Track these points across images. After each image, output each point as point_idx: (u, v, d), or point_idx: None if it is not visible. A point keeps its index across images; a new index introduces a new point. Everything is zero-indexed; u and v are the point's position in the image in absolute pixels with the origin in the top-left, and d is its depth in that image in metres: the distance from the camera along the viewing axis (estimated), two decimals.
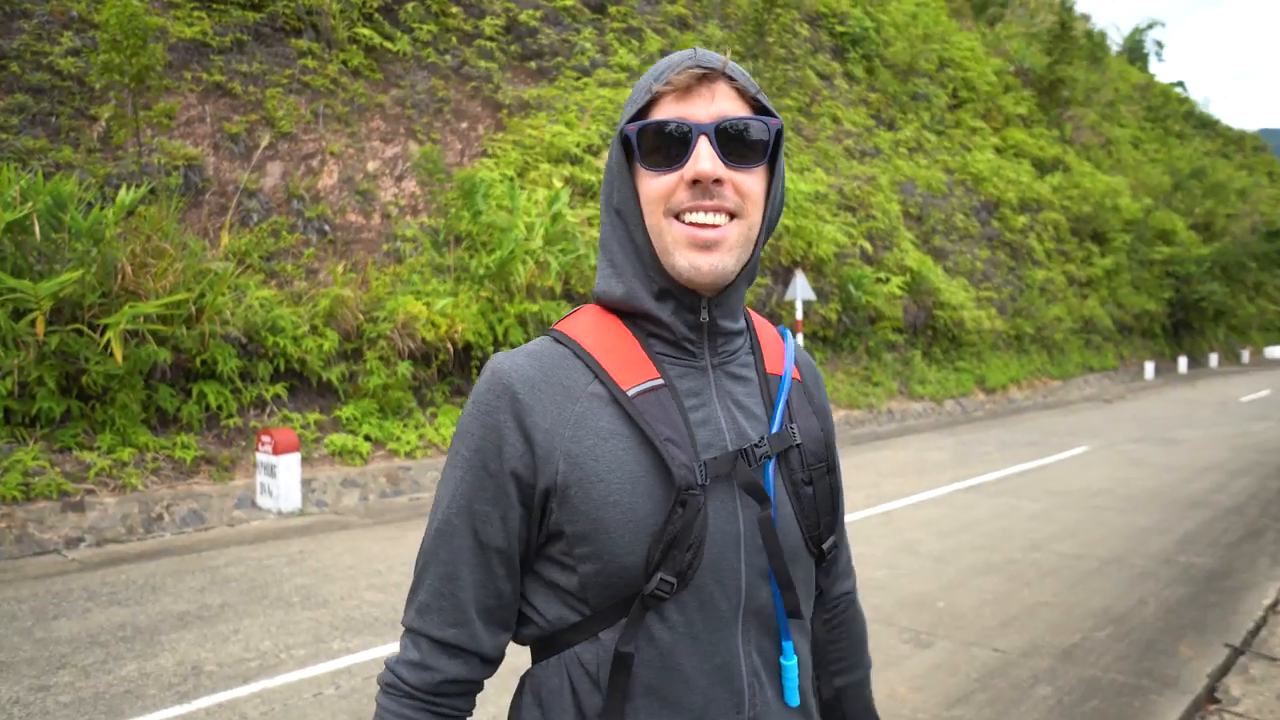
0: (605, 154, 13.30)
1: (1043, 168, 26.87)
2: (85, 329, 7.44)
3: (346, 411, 9.07)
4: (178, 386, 8.18)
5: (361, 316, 9.55)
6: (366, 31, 12.42)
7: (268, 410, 8.70)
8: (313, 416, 8.84)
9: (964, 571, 5.93)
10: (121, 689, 3.90)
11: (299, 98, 11.48)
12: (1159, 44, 48.94)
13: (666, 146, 0.97)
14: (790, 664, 1.03)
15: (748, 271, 1.04)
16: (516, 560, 0.99)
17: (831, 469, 1.10)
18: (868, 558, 6.24)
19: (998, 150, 25.46)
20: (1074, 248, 25.88)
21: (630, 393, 0.98)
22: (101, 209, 7.80)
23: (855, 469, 10.17)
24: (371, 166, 11.68)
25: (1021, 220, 23.61)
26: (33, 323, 7.10)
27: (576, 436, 0.96)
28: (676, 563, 0.94)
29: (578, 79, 14.80)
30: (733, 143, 0.97)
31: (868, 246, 16.96)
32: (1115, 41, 46.74)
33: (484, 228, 11.12)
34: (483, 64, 13.71)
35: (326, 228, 10.68)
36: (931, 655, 4.47)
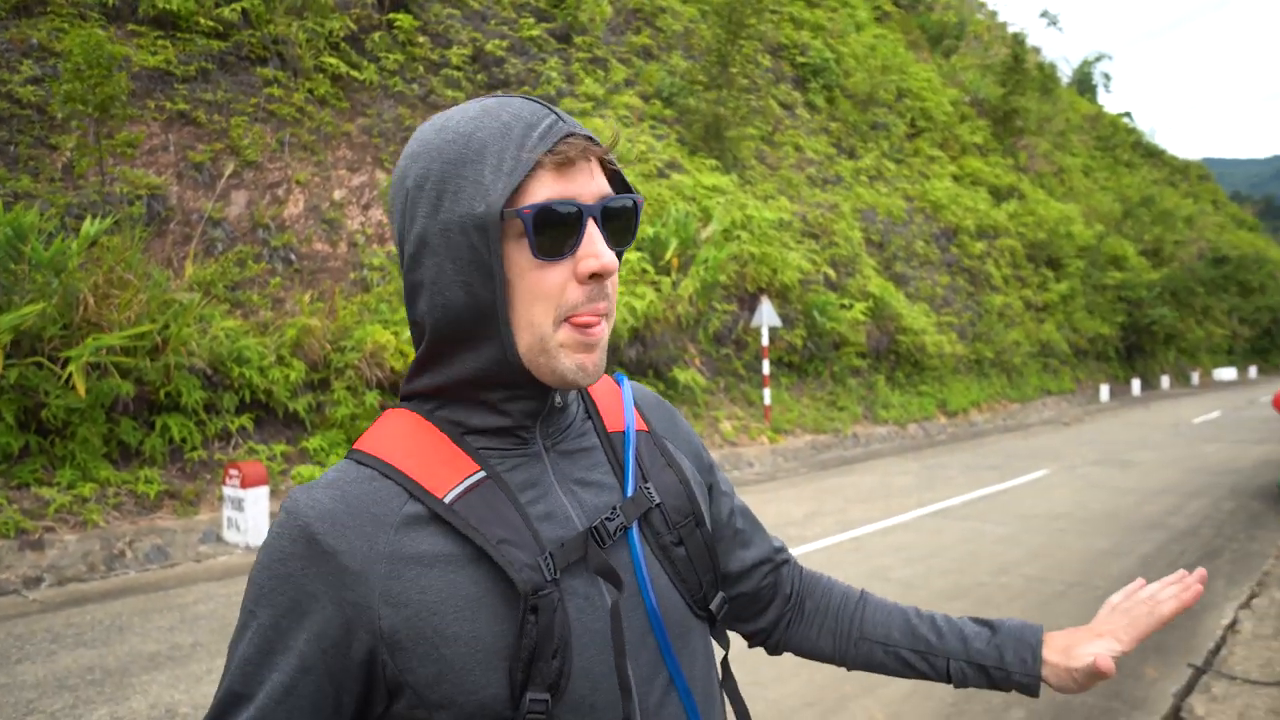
0: None
1: (999, 195, 27.51)
2: (46, 362, 7.31)
3: (314, 442, 8.99)
4: (140, 419, 8.05)
5: (329, 346, 9.48)
6: (333, 60, 12.43)
7: (233, 442, 8.59)
8: (279, 448, 8.74)
9: (935, 596, 6.02)
10: None
11: (264, 126, 11.43)
12: (1106, 76, 50.50)
13: (558, 233, 0.83)
14: None
15: None
16: None
17: (700, 522, 0.98)
18: None
19: (955, 178, 26.04)
20: (1030, 273, 26.47)
21: (448, 498, 0.84)
22: (63, 239, 7.69)
23: (823, 494, 10.27)
24: (338, 195, 11.65)
25: (979, 246, 24.12)
26: None
27: (394, 572, 0.82)
28: (544, 676, 0.81)
29: None
30: (613, 225, 0.87)
31: (831, 273, 17.21)
32: (1065, 74, 48.16)
33: None
34: (449, 93, 13.77)
35: (293, 257, 10.62)
36: (906, 681, 4.53)
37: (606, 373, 1.04)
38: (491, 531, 0.83)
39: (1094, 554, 7.19)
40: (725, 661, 1.08)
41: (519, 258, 0.83)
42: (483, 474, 0.87)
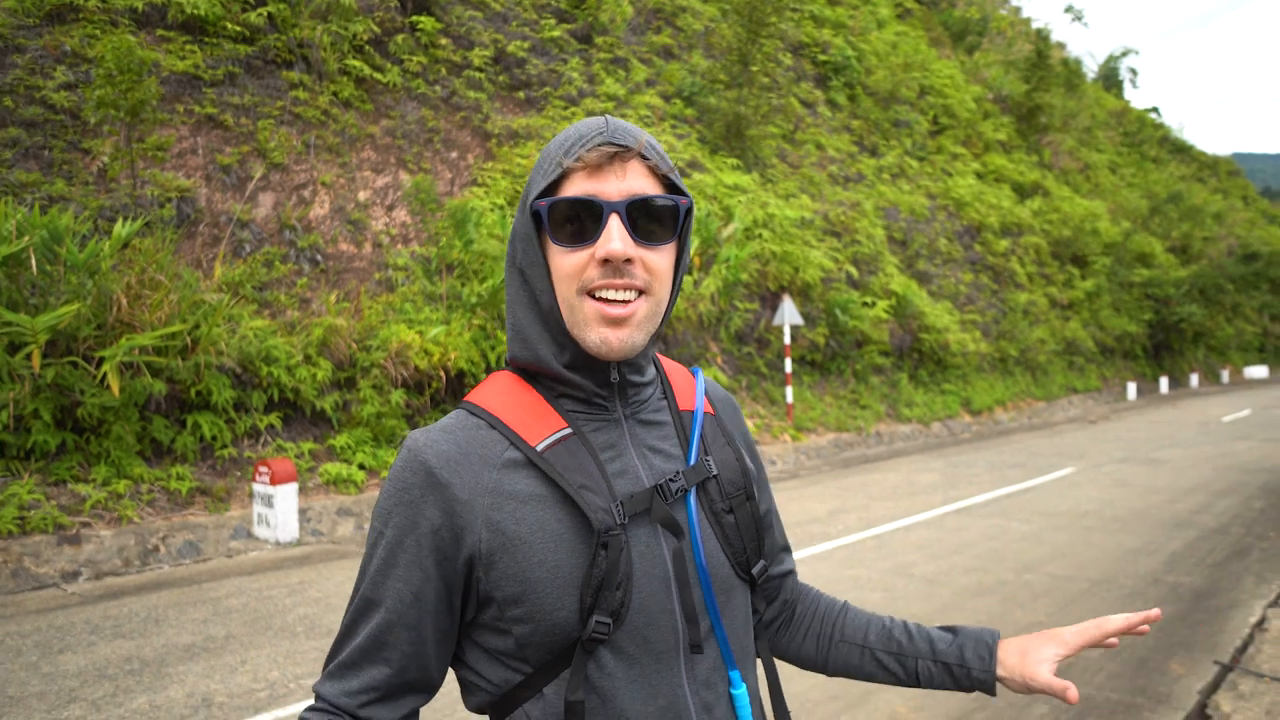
0: None
1: (1023, 192, 27.29)
2: (81, 361, 7.46)
3: (340, 440, 9.11)
4: (172, 417, 8.20)
5: (354, 345, 9.60)
6: (357, 63, 12.56)
7: (262, 440, 8.72)
8: (307, 446, 8.87)
9: (958, 593, 6.02)
10: None
11: (290, 129, 11.58)
12: (1133, 71, 49.91)
13: (578, 223, 0.98)
14: (740, 693, 1.06)
15: (656, 336, 1.08)
16: (431, 634, 1.00)
17: (750, 496, 1.12)
18: (863, 580, 6.32)
19: (979, 175, 25.86)
20: (1055, 271, 26.25)
21: (539, 447, 1.00)
22: (97, 242, 7.84)
23: (846, 492, 10.27)
24: (363, 196, 11.78)
25: (1003, 244, 23.95)
26: (28, 356, 7.12)
27: (496, 504, 0.98)
28: (609, 603, 0.95)
29: (565, 108, 14.99)
30: (643, 221, 0.99)
31: (853, 271, 17.17)
32: (1091, 69, 47.67)
33: (475, 256, 11.22)
34: (472, 94, 13.88)
35: (319, 257, 10.76)
36: None
37: (684, 366, 1.22)
38: (573, 478, 0.99)
39: (1121, 552, 7.16)
40: (759, 624, 1.19)
41: (551, 244, 1.01)
42: (569, 430, 1.03)
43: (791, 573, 1.31)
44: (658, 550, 1.01)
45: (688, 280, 13.20)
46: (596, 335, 0.99)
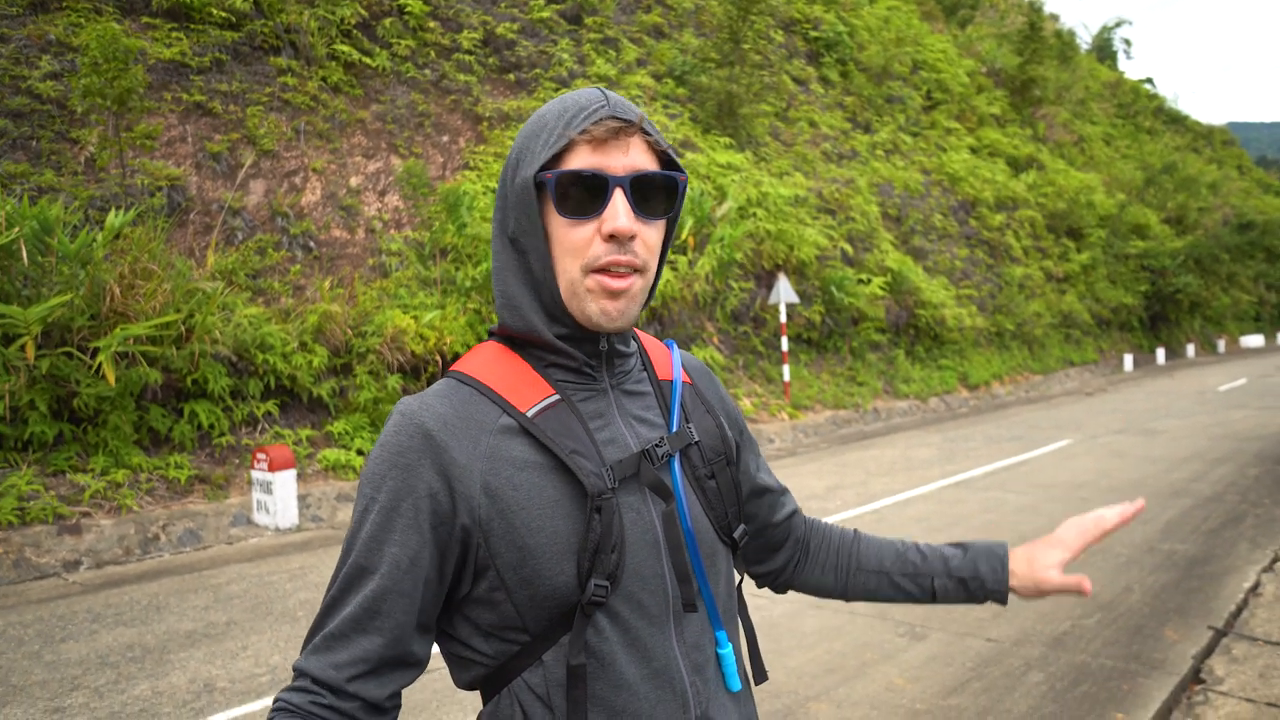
0: None
1: (1017, 166, 27.21)
2: (75, 352, 7.45)
3: (338, 426, 9.12)
4: (169, 406, 8.20)
5: (350, 331, 9.59)
6: (345, 48, 12.48)
7: (259, 428, 8.73)
8: (305, 432, 8.88)
9: None
10: (136, 708, 3.95)
11: (280, 115, 11.52)
12: (1127, 41, 49.70)
13: (584, 196, 0.99)
14: (726, 652, 1.08)
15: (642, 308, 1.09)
16: (424, 602, 0.98)
17: (730, 461, 1.14)
18: None
19: (973, 150, 25.77)
20: (1051, 244, 26.21)
21: (529, 413, 1.01)
22: (88, 232, 7.82)
23: (844, 468, 10.30)
24: (354, 182, 11.73)
25: (998, 218, 23.90)
26: (22, 348, 7.11)
27: (493, 469, 0.98)
28: (605, 566, 0.97)
29: (556, 90, 14.90)
30: (644, 196, 1.01)
31: (848, 248, 17.15)
32: (1084, 40, 47.42)
33: (469, 240, 11.20)
34: (462, 77, 13.80)
35: (312, 244, 10.73)
36: (927, 647, 4.59)
37: (660, 339, 1.24)
38: (564, 443, 1.00)
39: None
40: (739, 586, 1.21)
41: (554, 216, 1.01)
42: (557, 397, 1.04)
43: (795, 512, 1.33)
44: (647, 514, 1.02)
45: (683, 260, 13.18)
46: (597, 307, 1.01)
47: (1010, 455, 10.84)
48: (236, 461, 8.28)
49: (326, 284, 10.05)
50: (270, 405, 8.75)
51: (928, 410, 16.74)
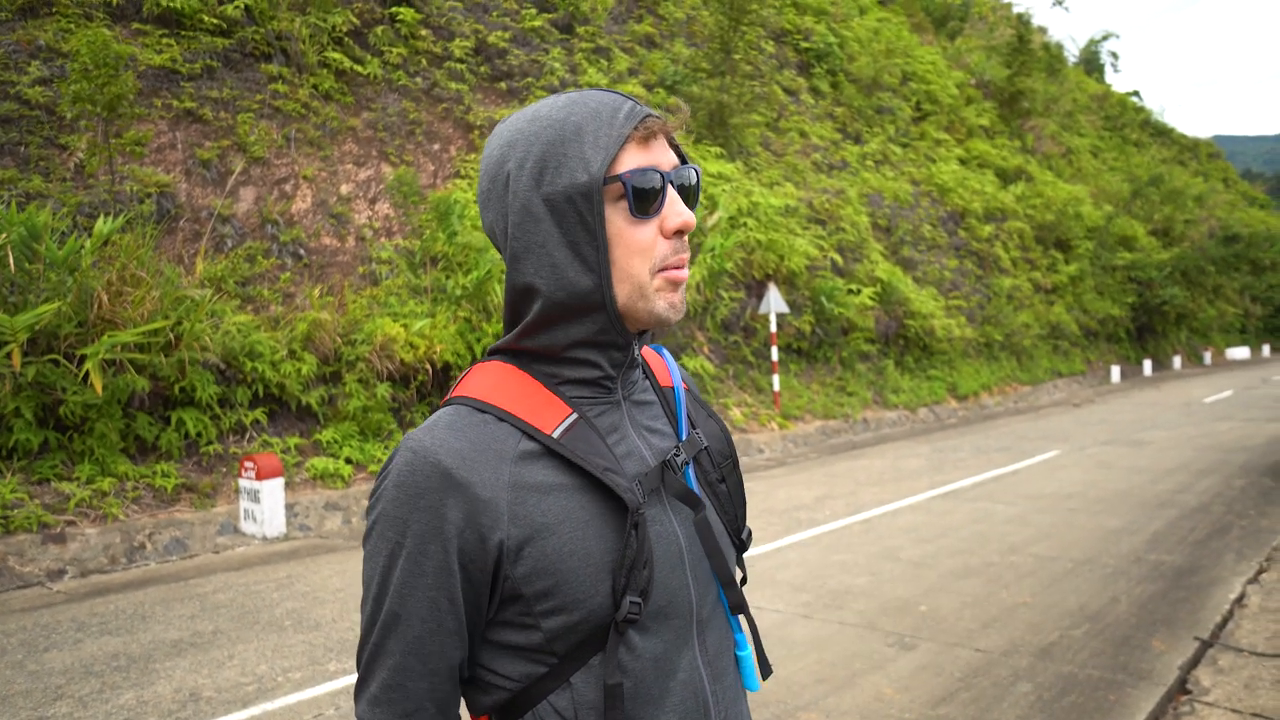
0: None
1: (1006, 178, 27.39)
2: (62, 359, 7.41)
3: (327, 435, 9.08)
4: (156, 414, 8.16)
5: (339, 339, 9.56)
6: (336, 55, 12.48)
7: (247, 436, 8.69)
8: (293, 440, 8.84)
9: (944, 576, 6.07)
10: (121, 718, 3.92)
11: (270, 122, 11.50)
12: (1114, 55, 50.13)
13: (648, 195, 0.97)
14: (745, 654, 1.09)
15: None
16: (465, 642, 0.97)
17: (737, 463, 1.16)
18: (850, 565, 6.37)
19: (962, 161, 25.93)
20: (1039, 255, 26.37)
21: (555, 434, 0.98)
22: (76, 239, 7.78)
23: (834, 478, 10.32)
24: (345, 190, 11.72)
25: (987, 229, 24.04)
26: (9, 355, 7.06)
27: (519, 498, 0.95)
28: (638, 582, 0.95)
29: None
30: (683, 190, 1.02)
31: (838, 259, 17.21)
32: (1072, 53, 47.81)
33: (459, 248, 11.19)
34: (453, 85, 13.81)
35: (301, 252, 10.70)
36: (916, 657, 4.59)
37: (648, 345, 1.22)
38: (595, 461, 0.98)
39: (1104, 532, 7.23)
40: (742, 582, 1.20)
41: (616, 218, 0.98)
42: (576, 416, 1.01)
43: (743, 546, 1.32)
44: (669, 526, 1.02)
45: None
46: (665, 302, 1.00)
47: (998, 466, 10.88)
48: (224, 470, 8.23)
49: (316, 292, 10.02)
50: (258, 413, 8.71)
51: (917, 421, 16.79)
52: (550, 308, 1.00)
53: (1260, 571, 6.01)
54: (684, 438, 1.09)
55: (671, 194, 0.99)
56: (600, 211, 0.96)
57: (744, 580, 1.19)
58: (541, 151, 0.97)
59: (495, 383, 1.03)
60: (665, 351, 1.22)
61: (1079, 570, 6.13)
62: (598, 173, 0.95)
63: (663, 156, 0.99)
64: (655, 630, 0.98)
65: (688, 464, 1.06)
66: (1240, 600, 5.41)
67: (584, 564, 0.94)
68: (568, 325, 1.01)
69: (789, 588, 5.86)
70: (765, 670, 1.18)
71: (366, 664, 0.97)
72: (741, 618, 1.13)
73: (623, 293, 0.99)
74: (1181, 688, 4.19)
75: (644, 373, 1.14)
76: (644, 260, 0.98)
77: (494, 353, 1.08)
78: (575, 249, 0.97)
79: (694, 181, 1.03)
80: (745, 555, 1.33)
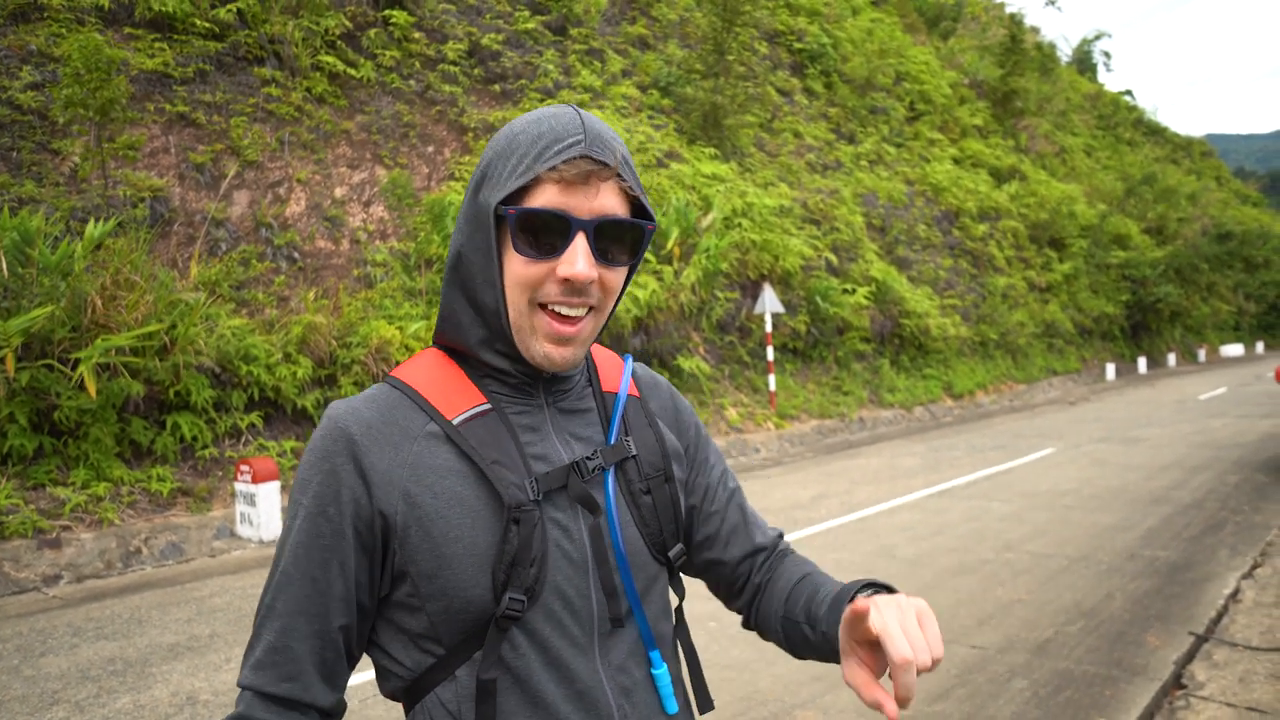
0: None
1: (1000, 177, 27.46)
2: (56, 364, 7.40)
3: None
4: (151, 419, 8.14)
5: (334, 343, 9.56)
6: (329, 59, 12.47)
7: (243, 440, 8.67)
8: (289, 444, 8.83)
9: (939, 573, 6.09)
10: None
11: (264, 126, 11.49)
12: (1106, 54, 50.27)
13: (543, 236, 0.95)
14: (660, 672, 1.04)
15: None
16: (354, 609, 0.97)
17: (669, 478, 1.10)
18: (846, 563, 6.37)
19: (956, 161, 25.99)
20: (1033, 254, 26.44)
21: (455, 421, 0.99)
22: (69, 243, 7.77)
23: (830, 477, 10.33)
24: (339, 193, 11.71)
25: (981, 229, 24.10)
26: (2, 360, 7.04)
27: (415, 476, 0.96)
28: (522, 580, 0.95)
29: (541, 100, 14.94)
30: (609, 242, 0.98)
31: (833, 258, 17.24)
32: (1064, 53, 47.96)
33: None
34: (447, 88, 13.81)
35: (296, 255, 10.69)
36: None
37: (619, 354, 1.24)
38: (487, 453, 0.99)
39: (1099, 529, 7.25)
40: (679, 609, 1.15)
41: (511, 249, 0.98)
42: (488, 406, 1.02)
43: (760, 551, 1.21)
44: (576, 531, 1.00)
45: (668, 270, 13.22)
46: (541, 350, 0.99)
47: (994, 464, 10.90)
48: (220, 474, 8.22)
49: (311, 295, 10.01)
50: (254, 417, 8.70)
51: (912, 419, 16.81)
52: (453, 306, 1.04)
53: (1254, 566, 6.03)
54: (610, 442, 1.07)
55: (578, 243, 0.95)
56: (490, 236, 0.98)
57: (679, 608, 1.14)
58: (488, 161, 1.01)
59: (423, 367, 1.06)
60: (630, 359, 1.20)
61: (1074, 567, 6.15)
62: (493, 199, 0.97)
63: (585, 202, 0.95)
64: (547, 633, 0.97)
65: (605, 470, 1.04)
66: (1235, 595, 5.43)
67: (468, 552, 0.94)
68: (466, 328, 1.04)
69: None
70: (703, 703, 1.13)
71: (256, 626, 0.98)
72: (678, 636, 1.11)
73: (512, 318, 1.00)
74: (1177, 682, 4.20)
75: (589, 378, 1.13)
76: (524, 293, 0.98)
77: (437, 342, 1.10)
78: (486, 262, 0.99)
79: (624, 233, 0.98)
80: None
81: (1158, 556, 6.36)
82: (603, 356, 1.18)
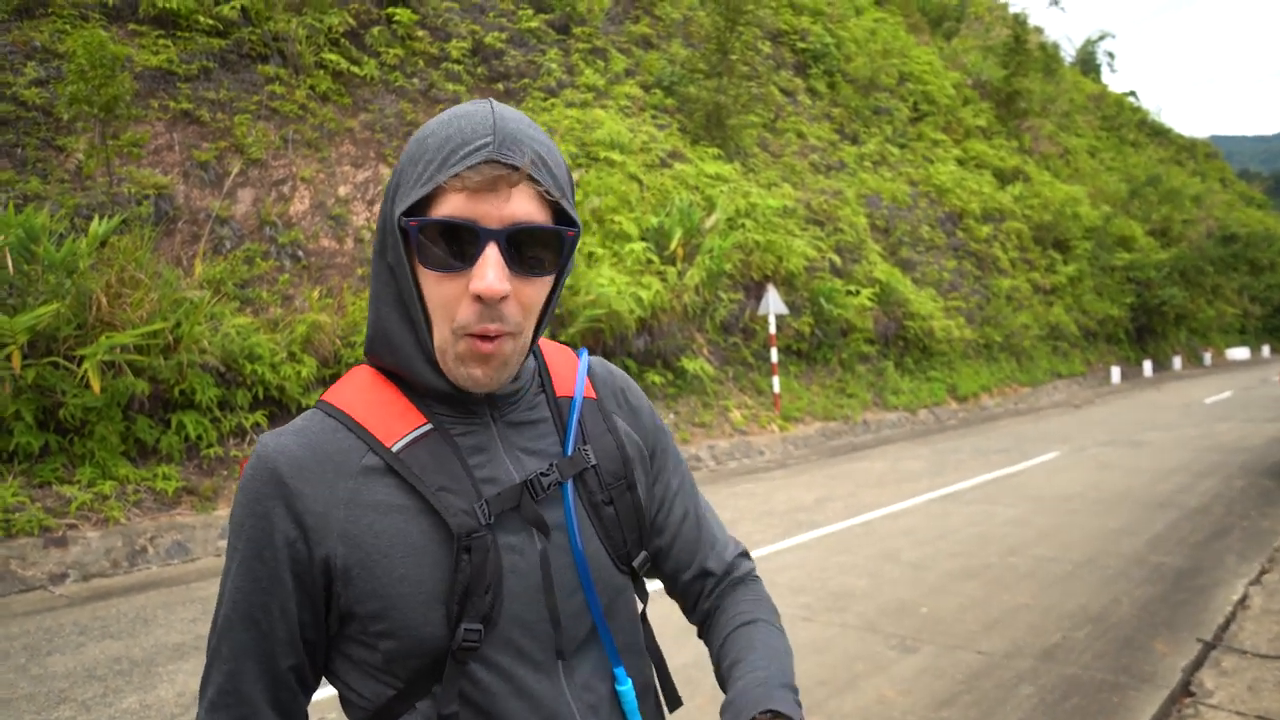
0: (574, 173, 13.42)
1: (1004, 178, 27.42)
2: (62, 361, 7.39)
3: None
4: (156, 417, 8.14)
5: (339, 342, 9.55)
6: (333, 57, 12.46)
7: (248, 439, 8.67)
8: None
9: (944, 577, 6.07)
10: None
11: (268, 124, 11.49)
12: (1110, 55, 50.30)
13: (452, 249, 0.88)
14: (625, 689, 1.00)
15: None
16: (301, 648, 0.94)
17: (632, 486, 1.05)
18: (849, 567, 6.36)
19: (959, 162, 25.96)
20: (1037, 256, 26.40)
21: (396, 447, 0.93)
22: (74, 240, 7.77)
23: (834, 480, 10.32)
24: (343, 191, 11.70)
25: (985, 230, 24.06)
26: (8, 357, 7.04)
27: (352, 516, 0.91)
28: (478, 609, 0.90)
29: (545, 99, 14.94)
30: (523, 251, 0.90)
31: (837, 259, 17.22)
32: (1068, 54, 47.92)
33: None
34: (450, 86, 13.81)
35: (300, 254, 10.69)
36: (917, 660, 4.59)
37: (571, 347, 1.14)
38: (432, 479, 0.93)
39: (1105, 533, 7.23)
40: (643, 614, 1.12)
41: (422, 266, 0.91)
42: (429, 427, 0.95)
43: (710, 576, 1.15)
44: (529, 553, 0.95)
45: (672, 271, 13.20)
46: (464, 372, 0.92)
47: (998, 468, 10.88)
48: (225, 473, 8.22)
49: (315, 294, 10.01)
50: (259, 416, 8.70)
51: (917, 422, 16.79)
52: (383, 324, 0.97)
53: (1263, 573, 6.01)
54: (568, 454, 1.00)
55: (488, 254, 0.87)
56: (401, 250, 0.91)
57: (643, 613, 1.11)
58: (400, 167, 0.94)
59: (357, 388, 0.99)
60: (584, 355, 1.13)
61: (1080, 572, 6.13)
62: (395, 210, 0.91)
63: (495, 209, 0.88)
64: (507, 665, 0.93)
65: (561, 484, 0.98)
66: (1243, 602, 5.41)
67: (415, 590, 0.90)
68: (400, 346, 0.96)
69: (789, 590, 5.86)
70: (671, 702, 1.12)
71: (206, 667, 0.95)
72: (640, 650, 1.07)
73: (437, 339, 0.93)
74: (1185, 690, 4.19)
75: (541, 381, 1.06)
76: (444, 318, 0.91)
77: (368, 357, 1.03)
78: (403, 277, 0.93)
79: (541, 241, 0.91)
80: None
81: (1164, 562, 6.34)
82: (556, 357, 1.10)
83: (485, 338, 0.91)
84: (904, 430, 15.87)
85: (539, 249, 0.91)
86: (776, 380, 14.36)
